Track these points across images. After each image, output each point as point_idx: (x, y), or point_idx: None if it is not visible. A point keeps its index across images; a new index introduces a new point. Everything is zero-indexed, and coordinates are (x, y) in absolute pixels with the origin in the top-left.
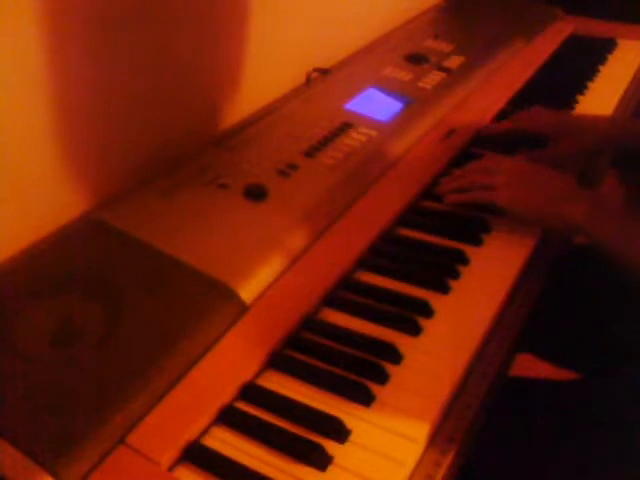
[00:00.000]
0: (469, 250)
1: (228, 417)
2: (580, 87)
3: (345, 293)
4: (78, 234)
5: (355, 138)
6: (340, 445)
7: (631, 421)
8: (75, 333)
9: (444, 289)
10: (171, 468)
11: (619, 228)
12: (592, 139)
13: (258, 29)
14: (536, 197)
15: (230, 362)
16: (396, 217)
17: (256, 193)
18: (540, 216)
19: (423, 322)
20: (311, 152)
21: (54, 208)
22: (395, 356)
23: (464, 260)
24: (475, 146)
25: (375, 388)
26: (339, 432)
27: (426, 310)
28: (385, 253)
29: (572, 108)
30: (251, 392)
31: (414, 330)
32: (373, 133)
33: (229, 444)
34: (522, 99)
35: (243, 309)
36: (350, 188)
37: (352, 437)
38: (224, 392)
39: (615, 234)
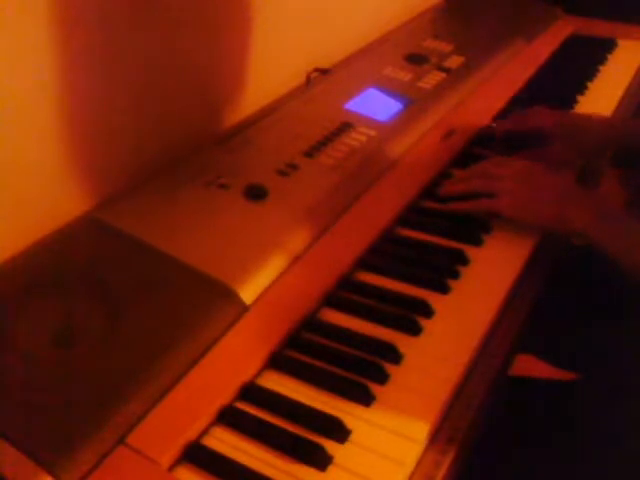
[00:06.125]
0: (469, 250)
1: (228, 417)
2: (580, 87)
3: (345, 293)
4: (78, 234)
5: (355, 138)
6: (340, 445)
7: (631, 421)
8: (75, 333)
9: (444, 289)
10: (171, 468)
11: (620, 233)
12: (592, 138)
13: (258, 29)
14: (538, 204)
15: (230, 362)
16: (396, 217)
17: (256, 193)
18: (543, 223)
19: (423, 322)
20: (311, 152)
21: (54, 208)
22: (395, 356)
23: (464, 260)
24: (475, 146)
25: (375, 388)
26: (339, 432)
27: (426, 310)
28: (385, 253)
29: (572, 108)
30: (251, 392)
31: (414, 330)
32: (373, 133)
33: (229, 444)
34: (522, 99)
35: (243, 309)
36: (350, 188)
37: (352, 437)
38: (224, 392)
39: (616, 239)
